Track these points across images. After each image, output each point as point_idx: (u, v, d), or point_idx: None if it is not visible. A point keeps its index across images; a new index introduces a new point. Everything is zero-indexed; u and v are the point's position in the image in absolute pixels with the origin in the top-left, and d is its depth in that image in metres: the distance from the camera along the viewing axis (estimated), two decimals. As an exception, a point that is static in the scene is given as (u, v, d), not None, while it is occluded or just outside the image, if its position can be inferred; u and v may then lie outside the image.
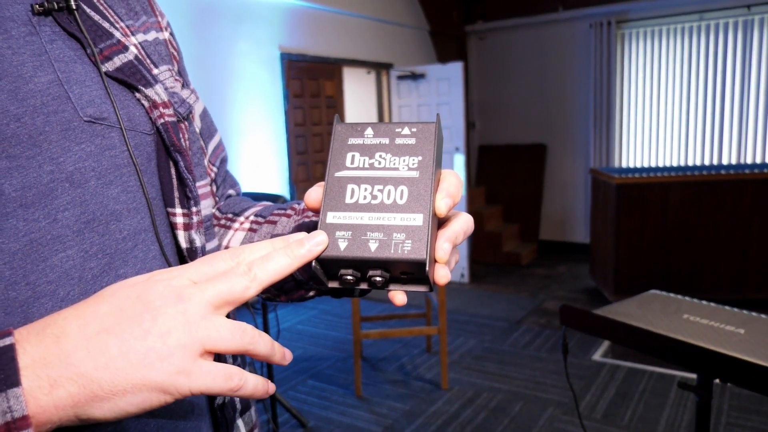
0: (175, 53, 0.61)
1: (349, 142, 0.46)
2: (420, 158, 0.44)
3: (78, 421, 0.35)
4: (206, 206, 0.60)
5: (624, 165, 6.00)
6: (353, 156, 0.45)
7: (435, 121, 0.46)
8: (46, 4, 0.45)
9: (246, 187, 4.08)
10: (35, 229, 0.42)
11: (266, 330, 2.87)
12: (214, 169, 0.67)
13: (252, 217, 0.66)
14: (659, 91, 5.76)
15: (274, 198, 2.77)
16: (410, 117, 5.51)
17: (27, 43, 0.44)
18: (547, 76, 6.32)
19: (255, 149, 4.37)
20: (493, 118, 6.74)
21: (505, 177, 6.63)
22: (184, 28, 3.75)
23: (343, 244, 0.42)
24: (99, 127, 0.47)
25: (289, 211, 0.63)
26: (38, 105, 0.43)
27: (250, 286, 0.39)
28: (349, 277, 0.43)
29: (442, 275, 0.43)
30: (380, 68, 5.68)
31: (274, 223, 0.63)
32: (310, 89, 4.95)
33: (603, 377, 3.21)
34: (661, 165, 5.80)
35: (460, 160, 5.22)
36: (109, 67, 0.49)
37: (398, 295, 0.44)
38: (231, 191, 0.72)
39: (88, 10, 0.50)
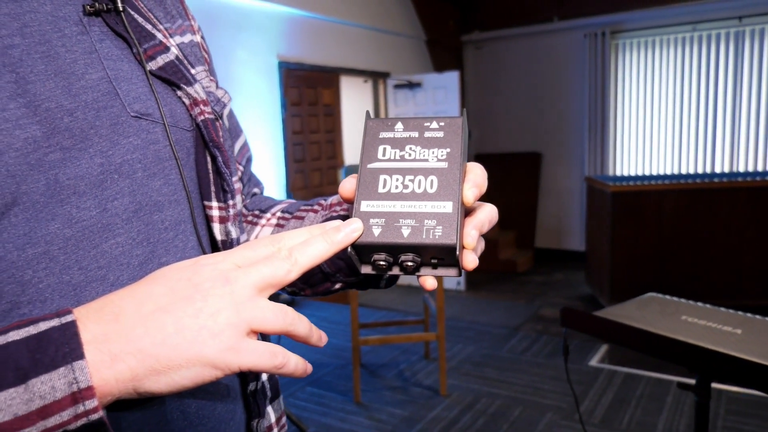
0: (206, 55, 0.64)
1: (380, 136, 0.48)
2: (448, 150, 0.47)
3: (135, 395, 0.37)
4: (237, 202, 0.62)
5: (619, 173, 6.06)
6: (384, 148, 0.48)
7: (461, 115, 0.48)
8: (96, 5, 0.48)
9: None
10: (87, 216, 0.45)
11: (266, 338, 2.88)
12: (240, 167, 0.70)
13: (279, 214, 0.68)
14: (653, 100, 5.83)
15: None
16: (407, 125, 5.55)
17: (79, 41, 0.47)
18: (543, 86, 6.38)
19: (252, 157, 4.39)
20: (488, 127, 6.79)
21: (500, 185, 6.67)
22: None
23: (377, 231, 0.44)
24: (144, 123, 0.49)
25: (316, 207, 0.66)
26: (89, 101, 0.46)
27: (291, 270, 0.41)
28: (382, 262, 0.45)
29: (470, 260, 0.45)
30: (377, 77, 5.73)
31: (302, 218, 0.65)
32: (308, 97, 4.99)
33: (600, 382, 3.24)
34: (655, 173, 5.86)
35: (456, 168, 5.25)
36: (152, 66, 0.52)
37: (429, 280, 0.46)
38: (255, 189, 0.75)
39: (132, 13, 0.52)
